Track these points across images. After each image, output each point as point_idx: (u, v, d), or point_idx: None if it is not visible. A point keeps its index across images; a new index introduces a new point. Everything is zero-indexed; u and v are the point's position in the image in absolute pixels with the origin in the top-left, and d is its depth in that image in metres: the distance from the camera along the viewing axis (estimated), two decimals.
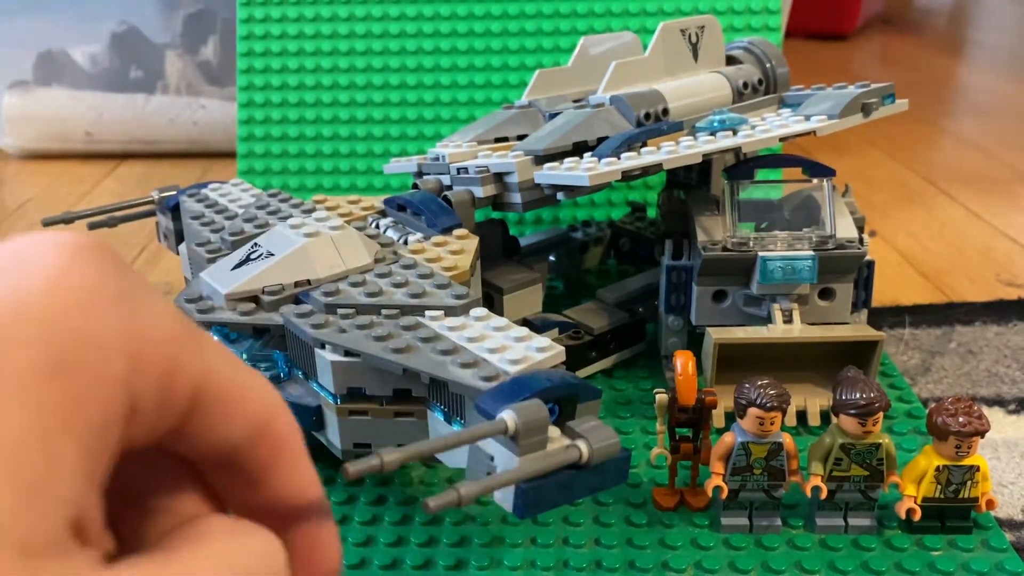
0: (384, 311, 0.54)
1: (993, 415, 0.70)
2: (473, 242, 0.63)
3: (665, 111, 0.70)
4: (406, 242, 0.63)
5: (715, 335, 0.64)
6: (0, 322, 0.20)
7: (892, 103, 0.71)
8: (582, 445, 0.42)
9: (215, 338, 0.23)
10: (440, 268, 0.58)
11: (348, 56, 1.03)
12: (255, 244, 0.59)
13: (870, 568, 0.53)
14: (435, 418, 0.52)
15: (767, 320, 0.66)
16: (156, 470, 0.25)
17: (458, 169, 0.69)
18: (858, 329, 0.66)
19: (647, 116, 0.69)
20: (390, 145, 1.02)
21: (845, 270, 0.67)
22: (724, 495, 0.55)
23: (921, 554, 0.54)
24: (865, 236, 0.67)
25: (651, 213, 0.97)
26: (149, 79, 1.40)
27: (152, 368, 0.22)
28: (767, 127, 0.66)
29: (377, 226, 0.66)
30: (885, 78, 0.75)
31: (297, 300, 0.56)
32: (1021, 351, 0.80)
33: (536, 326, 0.72)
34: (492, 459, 0.42)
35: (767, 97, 0.76)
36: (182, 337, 0.23)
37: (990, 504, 0.54)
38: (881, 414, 0.52)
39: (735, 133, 0.65)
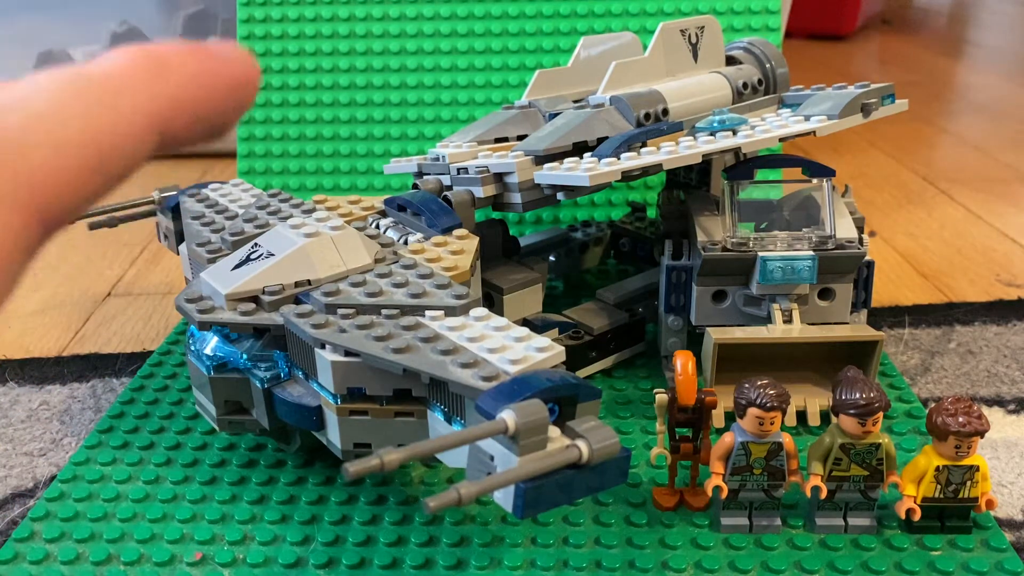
0: (384, 311, 0.54)
1: (993, 415, 0.70)
2: (473, 242, 0.63)
3: (665, 111, 0.70)
4: (406, 242, 0.63)
5: (715, 335, 0.64)
6: None
7: (892, 103, 0.71)
8: (582, 445, 0.42)
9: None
10: (440, 268, 0.58)
11: (348, 56, 1.03)
12: (255, 244, 0.59)
13: (870, 568, 0.53)
14: (435, 418, 0.52)
15: (767, 320, 0.66)
16: None
17: (458, 169, 0.69)
18: (858, 329, 0.66)
19: (647, 116, 0.69)
20: (390, 145, 1.02)
21: (845, 270, 0.67)
22: (724, 495, 0.55)
23: (921, 554, 0.54)
24: (865, 236, 0.67)
25: (651, 213, 0.97)
26: None
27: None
28: (767, 127, 0.66)
29: (377, 226, 0.66)
30: (885, 78, 0.75)
31: (297, 300, 0.56)
32: (1021, 351, 0.80)
33: (536, 326, 0.72)
34: (492, 459, 0.42)
35: (767, 97, 0.76)
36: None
37: (990, 504, 0.54)
38: (881, 414, 0.52)
39: (735, 133, 0.65)
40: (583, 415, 0.46)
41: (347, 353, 0.52)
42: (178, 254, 0.74)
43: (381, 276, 0.57)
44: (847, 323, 0.68)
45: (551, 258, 0.89)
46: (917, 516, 0.54)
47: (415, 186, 0.71)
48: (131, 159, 0.20)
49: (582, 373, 0.73)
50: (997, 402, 0.72)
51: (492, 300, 0.71)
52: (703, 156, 0.63)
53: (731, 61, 0.78)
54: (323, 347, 0.52)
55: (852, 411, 0.52)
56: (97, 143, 0.19)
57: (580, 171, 0.62)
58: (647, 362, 0.77)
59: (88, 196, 0.19)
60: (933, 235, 1.08)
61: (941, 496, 0.54)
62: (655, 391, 0.57)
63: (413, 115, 1.02)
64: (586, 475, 0.42)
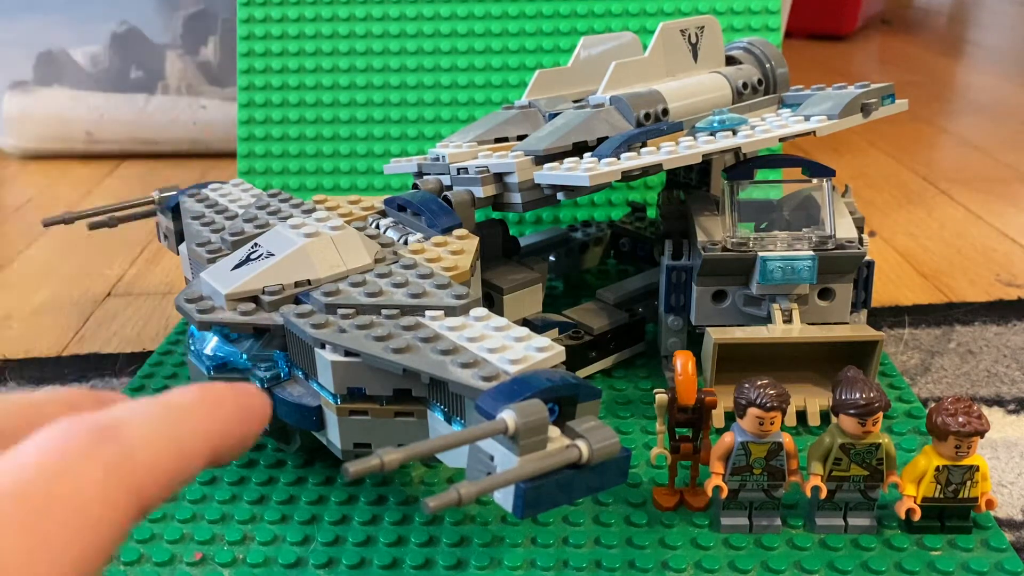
0: (384, 311, 0.54)
1: (993, 415, 0.70)
2: (473, 242, 0.63)
3: (665, 111, 0.70)
4: (406, 242, 0.63)
5: (715, 335, 0.64)
6: None
7: (892, 103, 0.71)
8: (582, 445, 0.42)
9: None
10: (440, 268, 0.58)
11: (348, 56, 1.03)
12: (255, 244, 0.59)
13: (870, 568, 0.53)
14: (435, 418, 0.52)
15: (767, 320, 0.66)
16: None
17: (458, 169, 0.69)
18: (857, 329, 0.66)
19: (647, 116, 0.69)
20: (390, 145, 1.02)
21: (845, 270, 0.67)
22: (724, 495, 0.55)
23: (921, 554, 0.54)
24: (864, 236, 0.67)
25: (651, 213, 0.97)
26: (149, 79, 1.40)
27: None
28: (767, 127, 0.66)
29: (377, 226, 0.66)
30: (885, 78, 0.75)
31: (297, 300, 0.56)
32: (1021, 351, 0.80)
33: (536, 326, 0.72)
34: (492, 459, 0.42)
35: (767, 97, 0.76)
36: None
37: (990, 504, 0.54)
38: (881, 414, 0.52)
39: (735, 133, 0.65)
40: (583, 415, 0.46)
41: (347, 353, 0.52)
42: (178, 254, 0.74)
43: (381, 276, 0.57)
44: (847, 323, 0.68)
45: (551, 258, 0.89)
46: (917, 516, 0.54)
47: (415, 186, 0.71)
48: (193, 471, 0.27)
49: (582, 373, 0.73)
50: (997, 402, 0.72)
51: (492, 300, 0.71)
52: (703, 156, 0.63)
53: (731, 61, 0.78)
54: (323, 347, 0.52)
55: (852, 411, 0.52)
56: (177, 458, 0.26)
57: (580, 171, 0.62)
58: (647, 362, 0.77)
59: (166, 494, 0.26)
60: (933, 235, 1.08)
61: (941, 496, 0.54)
62: (655, 391, 0.57)
63: (413, 115, 1.02)
64: (586, 475, 0.42)
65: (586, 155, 0.66)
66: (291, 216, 0.66)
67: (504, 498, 0.42)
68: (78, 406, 0.28)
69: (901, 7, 2.87)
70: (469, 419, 0.48)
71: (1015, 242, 1.05)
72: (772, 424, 0.53)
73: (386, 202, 0.69)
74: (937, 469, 0.53)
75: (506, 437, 0.41)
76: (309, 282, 0.57)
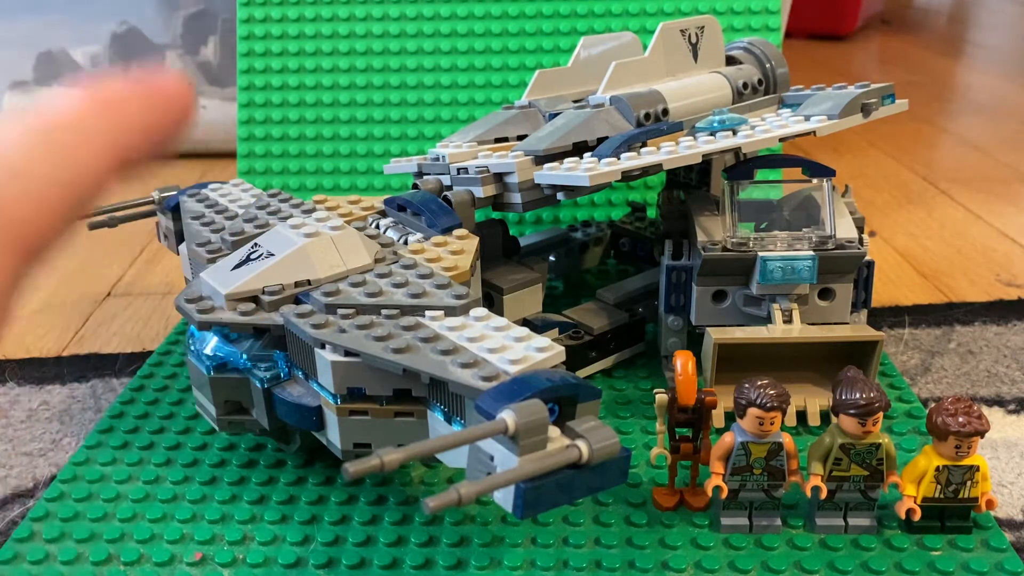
0: (384, 311, 0.54)
1: (993, 415, 0.70)
2: (473, 242, 0.63)
3: (665, 111, 0.70)
4: (406, 242, 0.63)
5: (715, 335, 0.64)
6: None
7: (892, 103, 0.71)
8: (582, 445, 0.42)
9: None
10: (440, 268, 0.58)
11: (348, 56, 1.03)
12: (255, 244, 0.59)
13: (870, 568, 0.53)
14: (435, 418, 0.52)
15: (767, 320, 0.66)
16: None
17: (458, 169, 0.69)
18: (858, 329, 0.66)
19: (647, 116, 0.69)
20: (390, 145, 1.02)
21: (845, 270, 0.67)
22: (724, 495, 0.55)
23: (921, 554, 0.54)
24: (864, 236, 0.67)
25: (651, 213, 0.97)
26: None
27: None
28: (767, 127, 0.66)
29: (377, 226, 0.66)
30: (885, 78, 0.75)
31: (297, 300, 0.56)
32: (1021, 351, 0.80)
33: (536, 326, 0.72)
34: (492, 459, 0.42)
35: (767, 97, 0.76)
36: None
37: (990, 504, 0.54)
38: (881, 414, 0.52)
39: (735, 133, 0.65)
40: (583, 415, 0.46)
41: (347, 353, 0.52)
42: (178, 254, 0.74)
43: (381, 276, 0.57)
44: (847, 323, 0.68)
45: (551, 258, 0.89)
46: (917, 516, 0.54)
47: (415, 186, 0.71)
48: (98, 192, 0.22)
49: (582, 373, 0.73)
50: (997, 402, 0.72)
51: (492, 300, 0.71)
52: (703, 156, 0.63)
53: (731, 61, 0.78)
54: (323, 347, 0.52)
55: (852, 411, 0.52)
56: (69, 187, 0.21)
57: (580, 171, 0.62)
58: (647, 362, 0.77)
59: (65, 227, 0.22)
60: (933, 235, 1.08)
61: (941, 496, 0.54)
62: (655, 391, 0.57)
63: (413, 115, 1.02)
64: (586, 475, 0.42)
65: (586, 155, 0.66)
66: (291, 216, 0.66)
67: (504, 498, 0.42)
68: None
69: (901, 7, 2.87)
70: (469, 419, 0.48)
71: (1015, 242, 1.05)
72: (772, 424, 0.53)
73: (386, 202, 0.69)
74: (937, 469, 0.53)
75: (506, 437, 0.41)
76: (309, 282, 0.57)
